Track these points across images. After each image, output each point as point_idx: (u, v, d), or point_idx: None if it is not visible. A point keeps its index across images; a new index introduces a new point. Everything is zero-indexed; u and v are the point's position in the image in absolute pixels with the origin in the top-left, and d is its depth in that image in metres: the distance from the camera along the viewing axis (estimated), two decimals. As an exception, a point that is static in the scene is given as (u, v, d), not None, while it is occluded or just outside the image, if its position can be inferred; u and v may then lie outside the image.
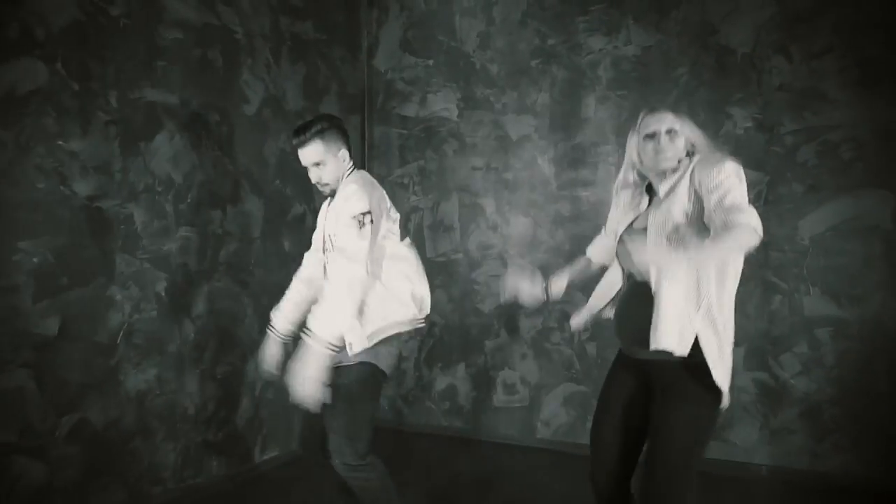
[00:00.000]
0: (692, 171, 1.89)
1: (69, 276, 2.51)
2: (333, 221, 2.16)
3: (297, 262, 3.56)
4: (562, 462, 3.56)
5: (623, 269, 2.03)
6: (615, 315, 2.03)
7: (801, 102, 3.29)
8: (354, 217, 2.08)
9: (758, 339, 3.39)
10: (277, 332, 2.42)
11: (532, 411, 3.82)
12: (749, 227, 1.69)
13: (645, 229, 1.90)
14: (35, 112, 2.40)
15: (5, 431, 2.30)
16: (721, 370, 1.84)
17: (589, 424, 3.64)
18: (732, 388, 2.98)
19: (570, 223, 3.75)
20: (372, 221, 2.11)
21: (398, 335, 2.23)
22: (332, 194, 2.23)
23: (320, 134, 2.18)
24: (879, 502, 3.01)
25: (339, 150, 2.23)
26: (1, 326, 2.29)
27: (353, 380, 2.15)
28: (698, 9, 3.45)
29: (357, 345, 2.12)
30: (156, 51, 2.86)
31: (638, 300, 1.88)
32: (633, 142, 2.01)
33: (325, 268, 2.27)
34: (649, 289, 1.85)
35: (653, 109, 2.01)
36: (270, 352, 2.41)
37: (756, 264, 3.30)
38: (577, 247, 3.73)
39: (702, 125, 3.20)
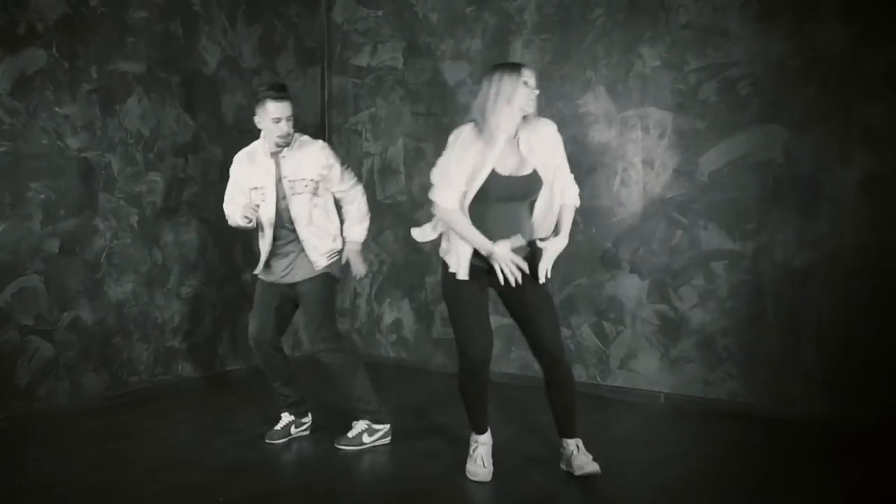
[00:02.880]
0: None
1: (65, 209, 4.80)
2: (299, 169, 4.20)
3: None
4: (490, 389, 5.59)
5: (484, 203, 3.73)
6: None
7: (704, 40, 5.01)
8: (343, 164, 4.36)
9: (660, 273, 5.25)
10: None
11: (466, 337, 5.89)
12: None
13: (518, 177, 3.69)
14: (39, 87, 4.67)
15: (26, 317, 4.62)
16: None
17: (512, 355, 5.68)
18: (637, 319, 5.06)
19: (497, 163, 5.74)
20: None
21: None
22: (287, 146, 4.19)
23: (289, 96, 4.23)
24: (766, 428, 4.64)
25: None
26: (21, 242, 4.59)
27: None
28: (609, -47, 5.32)
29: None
30: (126, 30, 5.10)
31: (505, 225, 3.81)
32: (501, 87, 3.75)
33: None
34: (517, 215, 3.74)
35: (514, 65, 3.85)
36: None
37: (660, 201, 5.17)
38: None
39: (615, 66, 5.17)
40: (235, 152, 5.81)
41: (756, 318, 4.95)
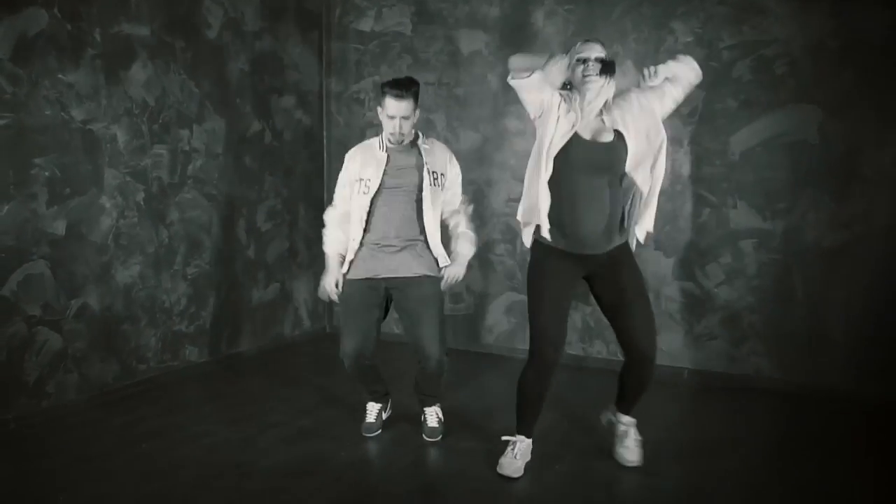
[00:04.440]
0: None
1: (71, 187, 4.28)
2: (441, 165, 3.92)
3: (257, 176, 5.40)
4: (502, 365, 5.39)
5: (568, 175, 3.47)
6: (567, 218, 3.50)
7: (740, 16, 4.85)
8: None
9: (686, 251, 5.11)
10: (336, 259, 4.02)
11: (477, 319, 5.64)
12: None
13: (599, 143, 3.43)
14: (41, 52, 4.11)
15: (33, 306, 4.12)
16: None
17: (527, 332, 5.47)
18: (661, 296, 4.88)
19: (515, 138, 5.45)
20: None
21: None
22: (399, 143, 3.84)
23: (415, 94, 3.83)
24: (788, 401, 4.65)
25: (417, 109, 3.87)
26: (25, 225, 4.08)
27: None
28: (636, -71, 5.04)
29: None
30: (128, -12, 4.56)
31: (593, 203, 3.53)
32: (565, 63, 3.42)
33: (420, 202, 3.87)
34: (605, 195, 3.46)
35: (585, 40, 3.52)
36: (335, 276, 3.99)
37: (688, 179, 5.00)
38: (521, 162, 5.46)
39: (645, 41, 4.92)
40: (240, 123, 5.43)
41: (784, 297, 4.91)
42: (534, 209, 3.51)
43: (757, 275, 4.97)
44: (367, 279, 3.88)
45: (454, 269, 3.93)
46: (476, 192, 5.47)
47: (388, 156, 3.88)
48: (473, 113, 5.58)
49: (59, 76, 4.21)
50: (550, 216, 3.49)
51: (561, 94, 3.49)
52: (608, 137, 3.48)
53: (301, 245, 5.91)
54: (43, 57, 4.12)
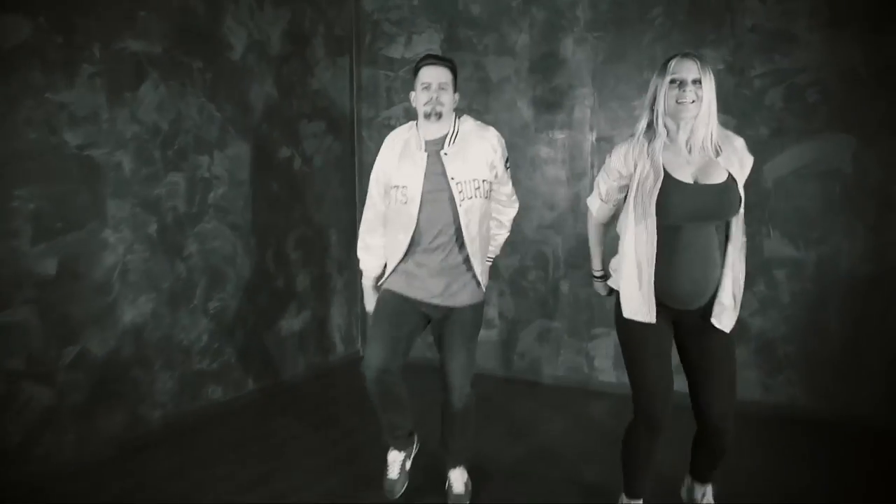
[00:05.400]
0: (722, 145, 2.09)
1: (64, 220, 2.72)
2: (473, 168, 2.33)
3: (285, 203, 3.79)
4: (533, 392, 3.83)
5: (663, 224, 2.06)
6: (664, 273, 2.08)
7: (771, 44, 3.32)
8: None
9: (722, 279, 3.54)
10: (373, 278, 2.55)
11: (509, 345, 4.06)
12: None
13: (707, 185, 2.02)
14: (22, 66, 2.55)
15: (13, 360, 2.57)
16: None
17: (560, 358, 3.90)
18: None
19: (546, 165, 3.87)
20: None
21: None
22: (438, 116, 2.32)
23: (452, 66, 2.39)
24: (823, 433, 3.22)
25: (456, 90, 2.41)
26: (4, 267, 2.53)
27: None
28: (676, -52, 3.44)
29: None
30: (137, 1, 2.97)
31: (695, 257, 2.06)
32: (657, 84, 2.04)
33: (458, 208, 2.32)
34: (708, 245, 2.06)
35: (683, 55, 2.05)
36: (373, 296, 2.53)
37: (723, 206, 3.42)
38: (553, 189, 3.89)
39: None
40: (266, 148, 3.80)
41: (818, 326, 3.38)
42: (627, 261, 2.14)
43: (791, 304, 3.43)
44: (404, 296, 2.37)
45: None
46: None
47: (427, 156, 2.33)
48: (504, 139, 3.98)
49: (47, 95, 2.63)
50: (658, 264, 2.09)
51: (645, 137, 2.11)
52: (720, 177, 2.04)
53: (333, 271, 4.27)
54: (25, 72, 2.55)
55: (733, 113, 3.41)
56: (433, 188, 2.30)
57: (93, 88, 2.80)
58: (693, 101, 1.99)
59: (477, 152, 2.35)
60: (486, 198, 2.37)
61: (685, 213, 2.03)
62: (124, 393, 2.99)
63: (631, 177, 2.11)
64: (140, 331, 3.05)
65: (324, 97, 4.13)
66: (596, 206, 2.28)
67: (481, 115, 4.00)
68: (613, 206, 2.26)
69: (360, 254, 2.55)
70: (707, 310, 2.13)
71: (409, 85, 4.17)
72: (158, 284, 3.13)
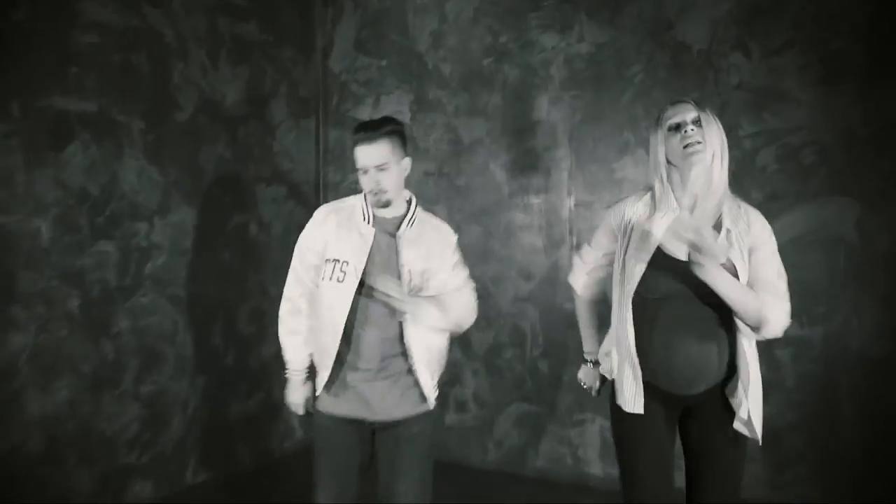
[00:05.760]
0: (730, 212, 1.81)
1: (-38, 296, 2.39)
2: (425, 258, 1.96)
3: (238, 274, 3.44)
4: (512, 486, 3.38)
5: (655, 299, 1.78)
6: (655, 352, 1.78)
7: (760, 102, 3.06)
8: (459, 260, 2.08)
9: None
10: (301, 370, 2.16)
11: (484, 431, 3.64)
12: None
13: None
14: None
15: None
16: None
17: (541, 447, 3.48)
18: None
19: (521, 233, 3.55)
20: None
21: None
22: (386, 206, 1.97)
23: (389, 135, 1.95)
24: None
25: (403, 157, 2.00)
26: None
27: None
28: (653, 3, 3.23)
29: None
30: (68, 56, 2.73)
31: (688, 333, 1.74)
32: (656, 139, 1.80)
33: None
34: (712, 323, 1.74)
35: (675, 101, 1.82)
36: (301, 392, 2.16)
37: (715, 277, 3.08)
38: (529, 258, 3.56)
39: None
40: (217, 215, 3.49)
41: (829, 414, 2.97)
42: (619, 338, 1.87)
43: (797, 388, 3.04)
44: (341, 418, 1.96)
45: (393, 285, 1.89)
46: (481, 291, 3.53)
47: (375, 233, 1.96)
48: (476, 204, 3.69)
49: (-51, 156, 2.35)
50: (639, 344, 1.80)
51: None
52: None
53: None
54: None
55: (722, 176, 3.13)
56: (379, 272, 1.92)
57: (7, 149, 2.52)
58: (700, 143, 1.71)
59: (431, 243, 2.00)
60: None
61: (672, 291, 1.71)
62: (28, 495, 2.57)
63: (619, 239, 1.83)
64: (52, 422, 2.65)
65: (286, 160, 3.87)
66: (580, 284, 2.01)
67: (452, 180, 3.74)
68: (601, 277, 1.97)
69: (284, 340, 2.16)
70: (713, 395, 1.79)
71: (377, 147, 3.92)
72: (78, 368, 2.75)
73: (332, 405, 1.99)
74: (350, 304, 1.92)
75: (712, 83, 3.15)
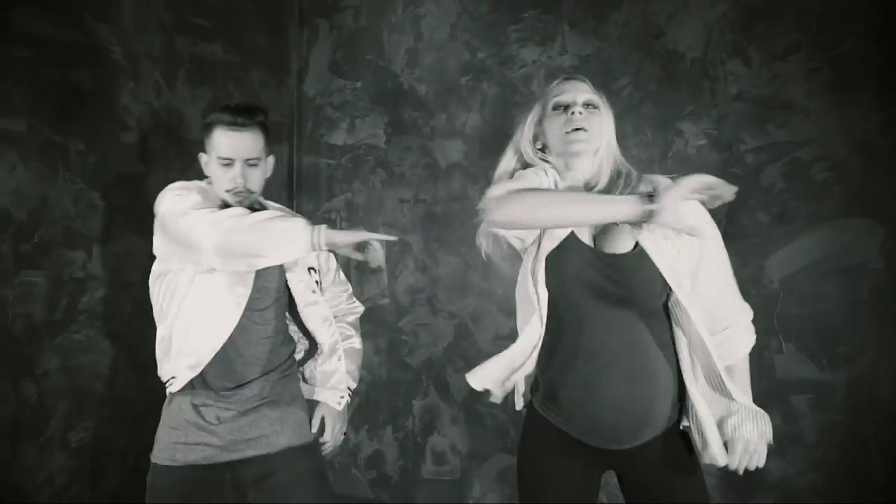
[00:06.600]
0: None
1: None
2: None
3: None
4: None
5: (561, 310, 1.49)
6: (570, 392, 1.48)
7: (762, 113, 2.72)
8: None
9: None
10: None
11: (463, 486, 3.23)
12: None
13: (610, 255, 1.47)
14: None
15: None
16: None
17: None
18: None
19: (503, 263, 3.21)
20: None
21: None
22: (249, 208, 1.75)
23: (263, 125, 1.75)
24: None
25: (269, 155, 1.81)
26: None
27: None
28: (640, 9, 2.95)
29: None
30: (-4, 71, 2.51)
31: (615, 365, 1.42)
32: (532, 115, 1.66)
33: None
34: (636, 346, 1.43)
35: (568, 77, 1.63)
36: None
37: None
38: (511, 292, 3.19)
39: (649, 145, 2.74)
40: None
41: (858, 473, 2.52)
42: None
43: (819, 443, 2.61)
44: (193, 466, 1.74)
45: (330, 416, 1.85)
46: (459, 328, 3.22)
47: None
48: (454, 234, 3.36)
49: None
50: (547, 377, 1.51)
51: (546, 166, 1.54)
52: (624, 244, 1.49)
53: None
54: None
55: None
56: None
57: (-85, 168, 2.28)
58: (587, 131, 1.42)
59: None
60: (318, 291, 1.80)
61: (584, 287, 1.37)
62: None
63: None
64: (-45, 475, 2.34)
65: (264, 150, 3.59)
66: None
67: (429, 207, 3.43)
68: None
69: None
70: (652, 451, 1.43)
71: (351, 174, 3.66)
72: (-8, 412, 2.45)
73: (172, 452, 1.90)
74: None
75: (709, 94, 2.82)
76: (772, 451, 2.63)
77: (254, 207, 1.88)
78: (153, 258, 3.03)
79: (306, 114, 3.88)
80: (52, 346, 2.65)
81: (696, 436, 1.51)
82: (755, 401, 2.67)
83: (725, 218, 2.77)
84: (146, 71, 3.06)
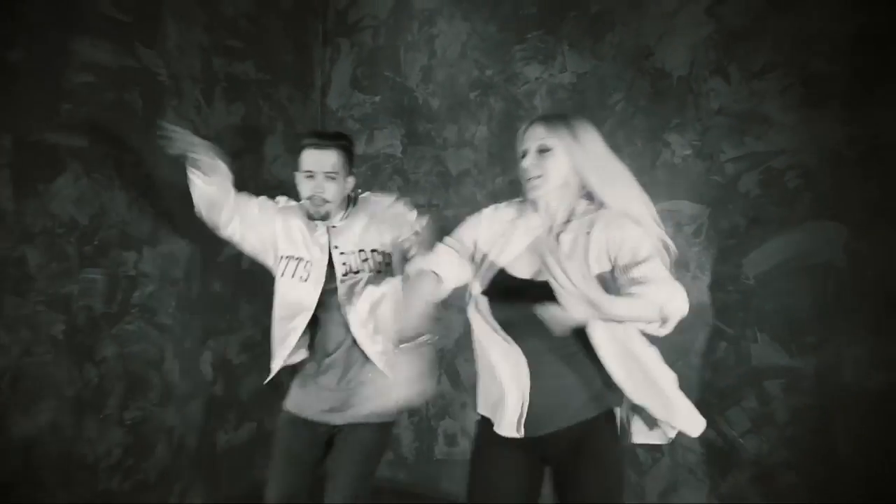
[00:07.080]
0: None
1: (-53, 319, 2.48)
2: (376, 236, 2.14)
3: (228, 303, 3.50)
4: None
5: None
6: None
7: (741, 126, 3.01)
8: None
9: (702, 392, 3.04)
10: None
11: (472, 463, 3.55)
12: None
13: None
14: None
15: None
16: None
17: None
18: (677, 445, 2.77)
19: (509, 261, 3.52)
20: None
21: None
22: (323, 218, 2.07)
23: (343, 148, 2.09)
24: None
25: (350, 175, 2.14)
26: None
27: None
28: (633, 31, 3.24)
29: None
30: (62, 95, 2.87)
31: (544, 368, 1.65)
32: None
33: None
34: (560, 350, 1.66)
35: (532, 121, 1.77)
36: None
37: (698, 307, 2.98)
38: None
39: (639, 154, 3.04)
40: (208, 245, 3.57)
41: (826, 450, 2.79)
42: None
43: (790, 423, 2.89)
44: (301, 419, 2.13)
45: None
46: (468, 322, 3.51)
47: (327, 229, 2.10)
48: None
49: (-59, 186, 2.48)
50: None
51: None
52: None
53: (286, 378, 3.90)
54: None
55: (705, 201, 3.06)
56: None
57: (-2, 181, 2.64)
58: (540, 177, 1.65)
59: (373, 214, 2.23)
60: (381, 272, 2.05)
61: (506, 315, 1.66)
62: (2, 519, 2.61)
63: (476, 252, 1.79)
64: (32, 445, 2.71)
65: (281, 193, 3.93)
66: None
67: (441, 211, 3.75)
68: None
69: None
70: (573, 436, 1.64)
71: (371, 181, 3.99)
72: (61, 391, 2.81)
73: (294, 403, 2.20)
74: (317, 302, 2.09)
75: (692, 109, 3.11)
76: (747, 430, 2.93)
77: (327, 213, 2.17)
78: (195, 259, 3.41)
79: (329, 125, 4.22)
80: (110, 335, 3.01)
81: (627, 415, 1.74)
82: (731, 386, 2.96)
83: (707, 220, 3.05)
84: (188, 90, 3.42)
